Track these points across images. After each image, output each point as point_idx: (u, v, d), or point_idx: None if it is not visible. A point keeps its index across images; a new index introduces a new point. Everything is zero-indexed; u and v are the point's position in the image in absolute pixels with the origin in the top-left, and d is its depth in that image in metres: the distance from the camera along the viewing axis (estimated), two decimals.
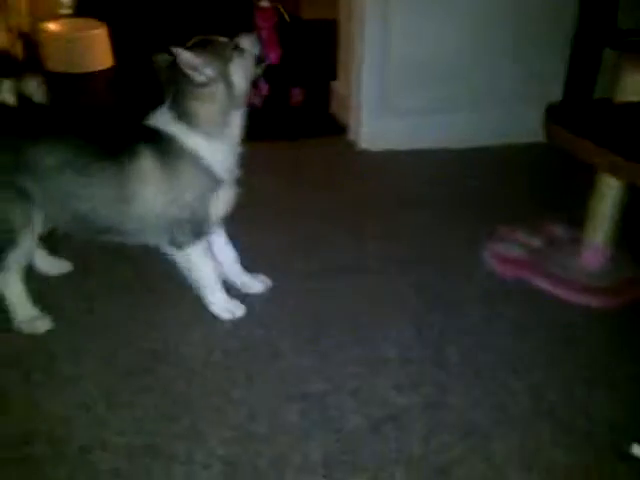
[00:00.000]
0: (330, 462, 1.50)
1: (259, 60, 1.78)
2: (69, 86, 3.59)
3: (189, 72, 1.64)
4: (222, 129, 1.73)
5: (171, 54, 1.65)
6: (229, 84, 1.70)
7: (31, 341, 1.79)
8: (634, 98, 1.84)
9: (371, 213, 2.49)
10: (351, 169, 2.82)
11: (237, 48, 1.72)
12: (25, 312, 1.81)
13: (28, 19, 3.94)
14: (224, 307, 1.89)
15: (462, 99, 2.97)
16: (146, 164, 1.67)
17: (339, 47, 3.14)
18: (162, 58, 1.75)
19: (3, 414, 1.59)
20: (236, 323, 1.89)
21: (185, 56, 1.63)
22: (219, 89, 1.69)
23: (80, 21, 4.00)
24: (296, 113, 3.30)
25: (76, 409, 1.60)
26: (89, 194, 1.68)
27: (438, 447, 1.55)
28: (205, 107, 1.70)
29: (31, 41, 3.79)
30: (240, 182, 1.82)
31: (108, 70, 3.82)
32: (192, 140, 1.70)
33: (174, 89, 1.71)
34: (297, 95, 2.82)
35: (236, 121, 1.75)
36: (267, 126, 3.05)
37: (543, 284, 2.10)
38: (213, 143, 1.72)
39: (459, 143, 2.93)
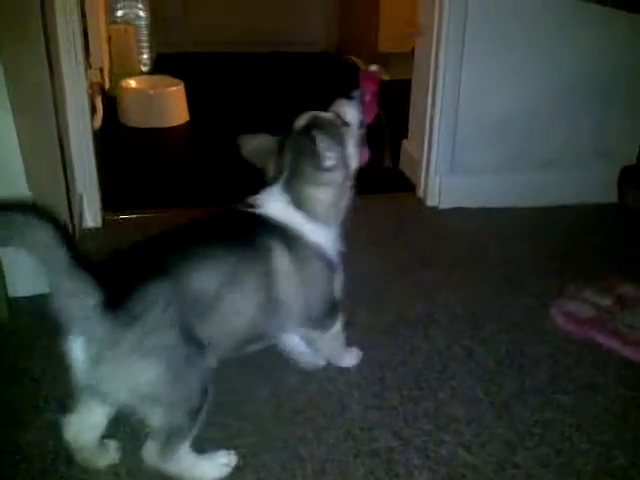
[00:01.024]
0: None
1: (360, 125, 1.72)
2: (146, 140, 3.72)
3: (320, 157, 1.57)
4: (336, 214, 1.68)
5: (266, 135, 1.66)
6: (346, 166, 1.66)
7: None
8: None
9: (439, 268, 2.50)
10: (419, 226, 2.84)
11: (344, 123, 1.68)
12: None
13: (109, 75, 4.13)
14: (352, 355, 1.94)
15: (535, 158, 2.98)
16: (282, 261, 1.57)
17: (411, 106, 3.18)
18: (258, 140, 1.70)
19: None
20: (305, 378, 1.91)
21: (325, 142, 1.56)
22: (340, 173, 1.64)
23: (158, 78, 4.17)
24: (366, 169, 3.34)
25: None
26: (246, 306, 1.53)
27: None
28: (326, 192, 1.63)
29: (111, 97, 3.96)
30: None
31: (184, 125, 3.94)
32: (310, 228, 1.63)
33: (289, 175, 1.63)
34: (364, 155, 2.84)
35: (345, 204, 1.70)
36: None
37: (612, 344, 2.08)
38: (327, 228, 1.67)
39: (531, 202, 2.94)
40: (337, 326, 1.81)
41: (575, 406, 1.84)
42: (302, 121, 1.67)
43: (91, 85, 3.23)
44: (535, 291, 2.35)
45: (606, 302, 2.24)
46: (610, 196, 2.79)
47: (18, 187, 2.01)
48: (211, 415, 1.51)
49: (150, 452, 1.47)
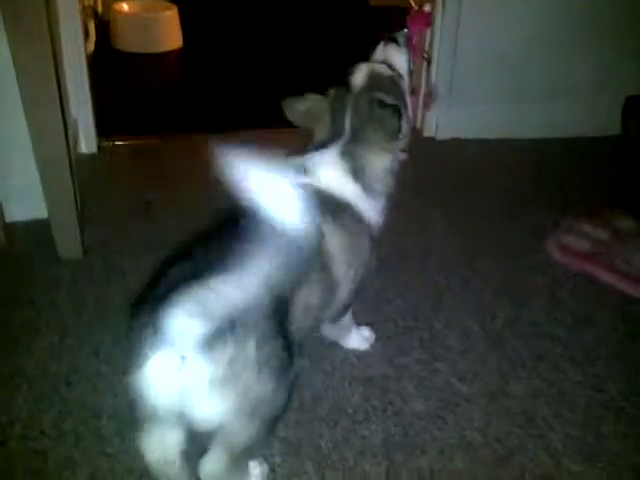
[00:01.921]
0: (390, 445, 1.54)
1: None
2: (140, 65, 3.67)
3: (395, 129, 1.45)
4: (387, 184, 1.54)
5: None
6: (404, 132, 1.51)
7: None
8: None
9: (435, 200, 2.50)
10: (416, 157, 2.79)
11: (399, 76, 1.54)
12: None
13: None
14: (362, 337, 1.80)
15: (532, 89, 2.94)
16: (335, 243, 1.40)
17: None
18: (306, 104, 1.51)
19: None
20: None
21: (398, 112, 1.43)
22: (402, 140, 1.51)
23: (151, 2, 4.07)
24: None
25: None
26: (317, 295, 1.38)
27: (498, 435, 1.58)
28: (387, 159, 1.51)
29: (103, 21, 3.88)
30: None
31: (177, 51, 3.87)
32: (364, 201, 1.49)
33: (350, 138, 1.47)
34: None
35: (396, 170, 1.56)
36: None
37: (607, 277, 2.09)
38: (378, 201, 1.53)
39: (529, 134, 2.91)
40: (350, 314, 1.71)
41: (569, 338, 1.87)
42: (359, 78, 1.50)
43: (84, 9, 3.16)
44: (532, 223, 2.35)
45: (603, 236, 2.24)
46: (609, 129, 2.76)
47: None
48: None
49: (213, 467, 1.28)
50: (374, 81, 1.49)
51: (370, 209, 1.50)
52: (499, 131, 2.91)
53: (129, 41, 3.78)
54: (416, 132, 2.99)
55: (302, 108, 1.51)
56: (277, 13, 4.63)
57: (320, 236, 1.33)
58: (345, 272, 1.43)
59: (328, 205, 1.41)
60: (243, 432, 1.22)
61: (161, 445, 1.21)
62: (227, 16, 4.48)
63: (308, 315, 1.37)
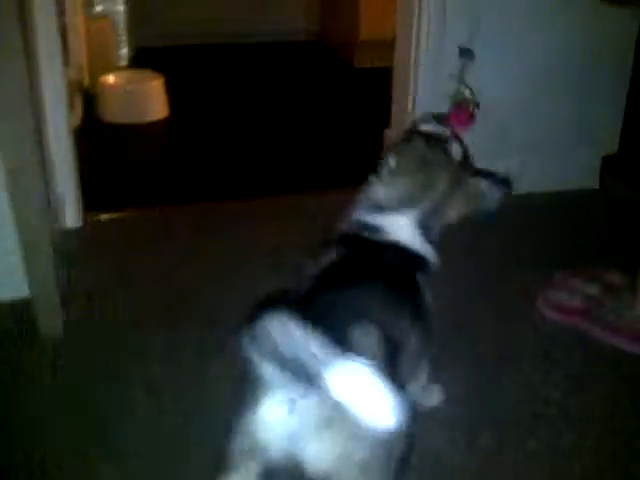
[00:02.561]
0: None
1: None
2: (127, 136, 3.68)
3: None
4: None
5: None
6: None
7: None
8: None
9: None
10: None
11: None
12: None
13: (88, 72, 4.07)
14: (437, 390, 1.77)
15: (516, 144, 2.95)
16: (426, 291, 1.48)
17: (393, 95, 3.15)
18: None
19: None
20: None
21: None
22: None
23: (137, 73, 4.11)
24: (349, 160, 3.33)
25: None
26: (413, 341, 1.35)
27: None
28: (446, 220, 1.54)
29: (90, 94, 3.91)
30: None
31: (164, 120, 3.90)
32: (428, 251, 1.53)
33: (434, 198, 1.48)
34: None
35: None
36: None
37: (600, 333, 2.07)
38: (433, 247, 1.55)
39: (514, 188, 2.90)
40: None
41: (564, 399, 1.83)
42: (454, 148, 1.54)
43: (69, 83, 3.19)
44: (521, 281, 2.33)
45: (593, 291, 2.22)
46: (593, 182, 2.77)
47: None
48: None
49: None
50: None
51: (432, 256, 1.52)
52: None
53: (116, 113, 3.80)
54: None
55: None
56: (263, 79, 4.69)
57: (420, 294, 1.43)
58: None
59: (416, 263, 1.47)
60: None
61: None
62: (214, 85, 4.54)
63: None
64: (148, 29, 5.15)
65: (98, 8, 4.50)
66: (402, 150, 1.50)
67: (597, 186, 2.63)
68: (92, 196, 2.78)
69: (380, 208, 1.47)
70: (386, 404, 0.96)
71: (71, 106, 3.04)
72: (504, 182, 1.56)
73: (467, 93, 2.05)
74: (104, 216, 2.75)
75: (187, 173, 3.24)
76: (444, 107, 2.81)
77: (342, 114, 4.03)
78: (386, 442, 1.12)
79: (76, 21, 3.76)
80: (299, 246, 2.30)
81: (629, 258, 2.19)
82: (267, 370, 1.04)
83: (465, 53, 2.56)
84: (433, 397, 1.76)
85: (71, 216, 2.65)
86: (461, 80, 2.59)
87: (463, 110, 1.69)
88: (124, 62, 4.62)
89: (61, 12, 3.17)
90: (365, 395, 0.97)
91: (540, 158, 2.95)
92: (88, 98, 3.86)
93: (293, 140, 3.62)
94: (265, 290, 1.89)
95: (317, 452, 1.11)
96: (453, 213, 1.52)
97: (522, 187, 2.90)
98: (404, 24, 2.93)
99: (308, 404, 1.08)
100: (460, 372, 1.93)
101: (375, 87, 3.62)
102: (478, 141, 2.90)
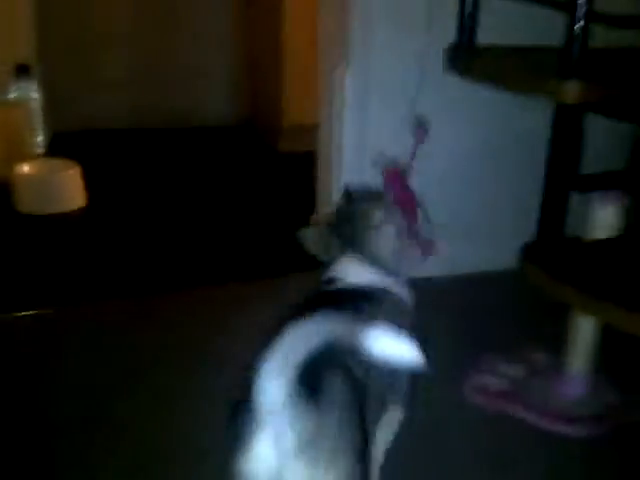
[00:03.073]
0: None
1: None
2: (42, 227, 3.59)
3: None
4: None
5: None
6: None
7: None
8: (600, 235, 1.90)
9: None
10: None
11: None
12: None
13: (1, 162, 3.99)
14: None
15: (441, 229, 2.99)
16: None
17: (317, 181, 3.18)
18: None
19: None
20: None
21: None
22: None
23: (53, 161, 4.04)
24: (274, 249, 3.30)
25: None
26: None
27: None
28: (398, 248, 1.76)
29: (4, 184, 3.82)
30: None
31: (80, 210, 3.83)
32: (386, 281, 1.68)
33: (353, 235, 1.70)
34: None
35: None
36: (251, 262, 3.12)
37: (526, 415, 2.08)
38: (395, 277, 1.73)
39: (439, 271, 2.93)
40: None
41: None
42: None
43: None
44: (447, 365, 2.31)
45: (518, 373, 2.25)
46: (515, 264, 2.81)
47: None
48: None
49: None
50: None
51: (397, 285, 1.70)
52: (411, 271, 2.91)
53: (31, 203, 3.71)
54: None
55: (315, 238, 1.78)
56: (187, 165, 4.67)
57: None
58: None
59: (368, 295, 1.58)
60: None
61: None
62: (135, 171, 4.50)
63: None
64: (64, 115, 5.10)
65: (11, 95, 4.43)
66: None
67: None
68: (5, 293, 2.68)
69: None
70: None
71: None
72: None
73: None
74: (18, 315, 2.64)
75: (106, 266, 3.15)
76: None
77: (267, 200, 4.03)
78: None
79: None
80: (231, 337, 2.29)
81: (554, 337, 2.20)
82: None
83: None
84: None
85: None
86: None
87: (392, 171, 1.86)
88: (40, 149, 4.54)
89: None
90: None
91: (464, 241, 2.99)
92: (2, 188, 3.77)
93: (217, 229, 3.59)
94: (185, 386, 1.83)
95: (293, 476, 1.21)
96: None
97: (447, 269, 2.94)
98: (326, 111, 2.99)
99: (287, 440, 1.18)
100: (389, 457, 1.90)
101: (300, 172, 3.64)
102: None
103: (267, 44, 5.04)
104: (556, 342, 2.17)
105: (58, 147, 4.51)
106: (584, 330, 2.03)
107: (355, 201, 1.72)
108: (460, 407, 2.13)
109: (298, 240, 1.75)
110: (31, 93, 4.44)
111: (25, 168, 3.90)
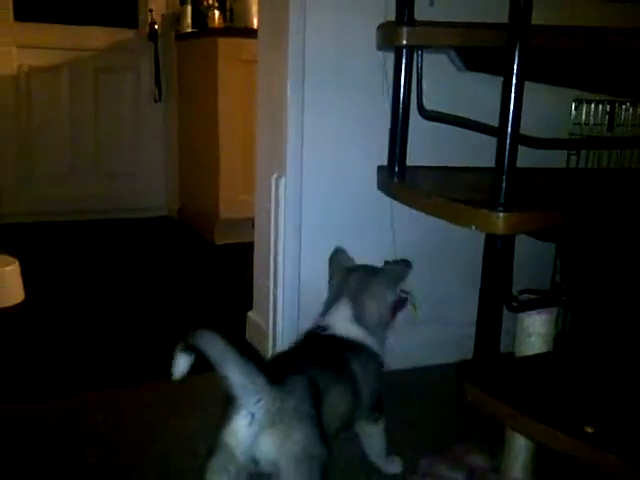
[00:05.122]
0: None
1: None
2: None
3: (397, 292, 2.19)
4: (383, 327, 2.17)
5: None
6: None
7: None
8: (532, 346, 1.97)
9: None
10: None
11: None
12: None
13: None
14: (395, 463, 2.31)
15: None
16: (357, 368, 2.00)
17: (254, 278, 3.21)
18: (342, 258, 2.27)
19: None
20: None
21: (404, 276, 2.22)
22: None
23: None
24: None
25: None
26: (343, 403, 1.95)
27: None
28: (385, 316, 2.15)
29: None
30: None
31: (19, 305, 3.78)
32: (369, 339, 2.09)
33: (356, 296, 2.11)
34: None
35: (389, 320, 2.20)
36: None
37: None
38: (378, 337, 2.13)
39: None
40: (382, 422, 2.21)
41: None
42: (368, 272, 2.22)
43: None
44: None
45: (459, 477, 2.25)
46: (450, 356, 2.86)
47: None
48: None
49: None
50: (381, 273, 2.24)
51: (377, 343, 2.11)
52: None
53: None
54: None
55: (338, 258, 2.29)
56: (123, 256, 4.67)
57: (348, 366, 1.99)
58: (365, 389, 2.03)
59: (350, 347, 2.04)
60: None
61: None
62: (71, 263, 4.48)
63: (338, 412, 1.93)
64: (4, 206, 5.10)
65: None
66: (331, 261, 2.27)
67: (453, 360, 2.75)
68: None
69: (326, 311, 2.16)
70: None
71: None
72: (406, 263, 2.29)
73: None
74: None
75: (43, 364, 3.10)
76: (302, 290, 2.91)
77: (204, 294, 4.03)
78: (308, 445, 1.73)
79: None
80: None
81: (491, 438, 2.22)
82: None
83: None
84: (393, 465, 2.31)
85: None
86: None
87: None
88: None
89: None
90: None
91: (391, 336, 3.04)
92: None
93: (153, 324, 3.57)
94: None
95: (266, 447, 1.67)
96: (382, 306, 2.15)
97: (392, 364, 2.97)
98: (262, 210, 3.04)
99: (260, 415, 1.64)
100: None
101: (236, 265, 3.68)
102: None
103: (204, 140, 5.15)
104: (495, 443, 2.19)
105: None
106: (522, 437, 2.06)
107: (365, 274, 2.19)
108: None
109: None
110: None
111: None
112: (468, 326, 1.96)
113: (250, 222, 3.33)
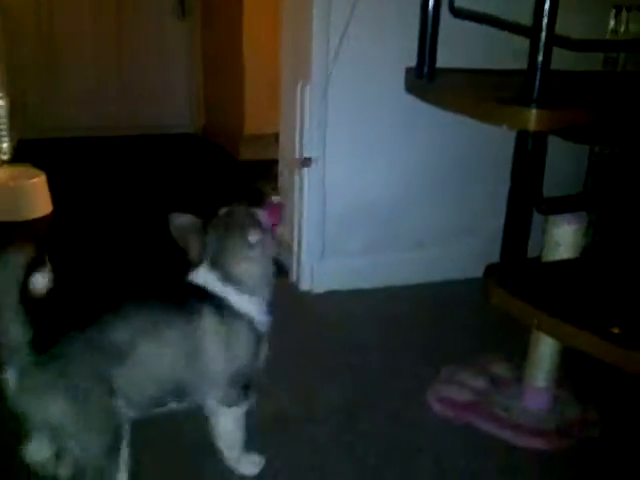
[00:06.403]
0: None
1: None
2: (9, 234, 3.57)
3: (246, 231, 1.71)
4: (263, 285, 1.78)
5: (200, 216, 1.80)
6: (266, 244, 1.77)
7: None
8: (560, 255, 1.95)
9: (314, 357, 2.48)
10: (293, 312, 2.82)
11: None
12: None
13: None
14: (252, 461, 1.89)
15: (402, 238, 3.04)
16: (209, 322, 1.69)
17: (280, 191, 3.20)
18: (184, 220, 1.82)
19: None
20: None
21: (250, 218, 1.74)
22: (261, 249, 1.74)
23: (18, 169, 4.02)
24: None
25: None
26: (162, 359, 1.66)
27: None
28: (253, 268, 1.74)
29: None
30: None
31: (46, 217, 3.81)
32: (240, 299, 1.73)
33: (214, 251, 1.74)
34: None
35: (269, 276, 1.80)
36: None
37: (490, 428, 2.10)
38: (255, 299, 1.76)
39: (401, 281, 2.98)
40: (241, 410, 1.80)
41: None
42: (224, 209, 1.82)
43: None
44: (411, 376, 2.36)
45: (481, 384, 2.27)
46: (478, 271, 2.85)
47: None
48: None
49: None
50: (233, 209, 1.81)
51: (250, 307, 1.74)
52: (374, 281, 2.97)
53: None
54: (292, 286, 3.01)
55: (180, 223, 1.82)
56: (147, 172, 4.67)
57: (195, 317, 1.67)
58: (219, 357, 1.71)
59: (209, 299, 1.71)
60: (72, 452, 1.60)
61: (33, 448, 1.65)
62: (98, 178, 4.48)
63: (153, 374, 1.65)
64: (29, 122, 5.10)
65: None
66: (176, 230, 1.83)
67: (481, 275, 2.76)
68: None
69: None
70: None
71: None
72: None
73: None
74: None
75: (70, 272, 3.14)
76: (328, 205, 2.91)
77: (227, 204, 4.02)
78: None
79: None
80: None
81: (516, 348, 2.24)
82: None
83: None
84: (248, 465, 1.88)
85: None
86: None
87: (275, 207, 1.89)
88: (5, 156, 4.51)
89: None
90: None
91: (427, 250, 3.05)
92: None
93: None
94: None
95: (29, 411, 1.55)
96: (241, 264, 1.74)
97: (412, 279, 2.99)
98: (287, 120, 3.02)
99: (23, 372, 1.53)
100: (349, 471, 1.93)
101: (260, 180, 3.67)
102: (366, 238, 2.99)
103: (228, 56, 5.07)
104: (519, 354, 2.20)
105: (24, 154, 4.49)
106: (546, 344, 2.06)
107: (233, 218, 1.77)
108: (424, 418, 2.16)
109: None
110: None
111: None
112: (498, 240, 1.96)
113: (275, 137, 3.31)
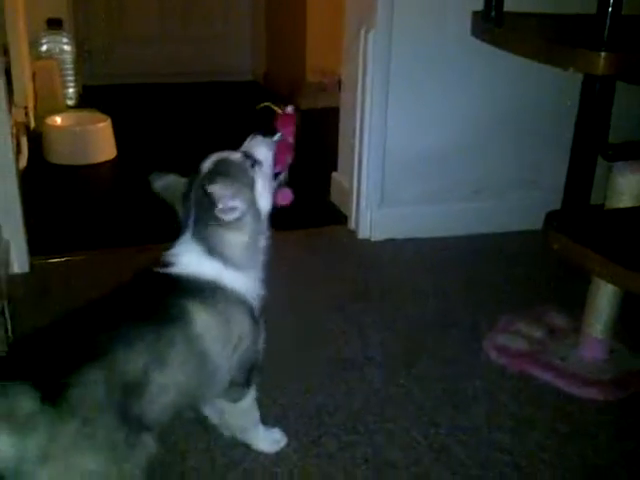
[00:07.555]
0: None
1: (276, 173, 1.64)
2: (75, 178, 3.66)
3: (222, 208, 1.47)
4: (253, 257, 1.58)
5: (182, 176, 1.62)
6: (257, 210, 1.56)
7: None
8: (625, 204, 1.92)
9: (373, 303, 2.51)
10: (352, 259, 2.86)
11: (255, 163, 1.58)
12: None
13: (34, 113, 4.05)
14: (271, 440, 1.79)
15: (462, 188, 3.03)
16: (202, 321, 1.45)
17: (340, 138, 3.20)
18: (167, 180, 1.67)
19: None
20: None
21: (220, 193, 1.46)
22: (250, 218, 1.53)
23: (84, 114, 4.10)
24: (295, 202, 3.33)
25: None
26: (176, 380, 1.43)
27: None
28: (238, 239, 1.53)
29: (36, 135, 3.88)
30: None
31: (111, 161, 3.88)
32: (229, 277, 1.52)
33: (197, 221, 1.53)
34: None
35: (263, 245, 1.61)
36: None
37: (545, 376, 2.11)
38: (245, 273, 1.55)
39: (460, 231, 2.98)
40: (249, 399, 1.68)
41: (512, 444, 1.86)
42: (208, 164, 1.61)
43: (15, 125, 3.17)
44: (468, 324, 2.37)
45: (538, 334, 2.27)
46: (536, 223, 2.84)
47: None
48: None
49: None
50: (218, 166, 1.57)
51: (241, 283, 1.53)
52: (432, 230, 2.97)
53: (63, 154, 3.78)
54: (351, 234, 3.03)
55: (163, 184, 1.67)
56: (209, 119, 4.70)
57: (186, 322, 1.43)
58: (221, 350, 1.50)
59: (194, 291, 1.47)
60: None
61: None
62: (161, 124, 4.53)
63: (171, 395, 1.42)
64: (95, 68, 5.17)
65: (43, 48, 4.49)
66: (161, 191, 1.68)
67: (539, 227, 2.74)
68: (38, 240, 2.75)
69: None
70: None
71: (17, 148, 3.01)
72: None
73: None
74: (52, 260, 2.72)
75: (134, 214, 3.21)
76: (387, 153, 2.90)
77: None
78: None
79: (21, 61, 3.75)
80: None
81: (574, 299, 2.23)
82: None
83: None
84: (269, 444, 1.78)
85: (18, 261, 2.61)
86: None
87: (286, 117, 1.75)
88: (71, 102, 4.61)
89: (5, 52, 3.16)
90: None
91: (486, 201, 3.04)
92: (34, 139, 3.83)
93: None
94: None
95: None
96: (227, 234, 1.52)
97: (469, 230, 2.98)
98: (350, 67, 3.00)
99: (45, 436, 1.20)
100: (405, 413, 1.96)
101: (321, 128, 3.66)
102: (426, 187, 2.99)
103: (291, 3, 5.05)
104: (577, 304, 2.19)
105: (89, 100, 4.57)
106: (605, 294, 2.05)
107: (215, 179, 1.50)
108: (480, 366, 2.18)
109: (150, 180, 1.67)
110: (63, 46, 4.49)
111: (56, 120, 3.96)
112: (557, 192, 1.94)
113: (337, 86, 3.30)
